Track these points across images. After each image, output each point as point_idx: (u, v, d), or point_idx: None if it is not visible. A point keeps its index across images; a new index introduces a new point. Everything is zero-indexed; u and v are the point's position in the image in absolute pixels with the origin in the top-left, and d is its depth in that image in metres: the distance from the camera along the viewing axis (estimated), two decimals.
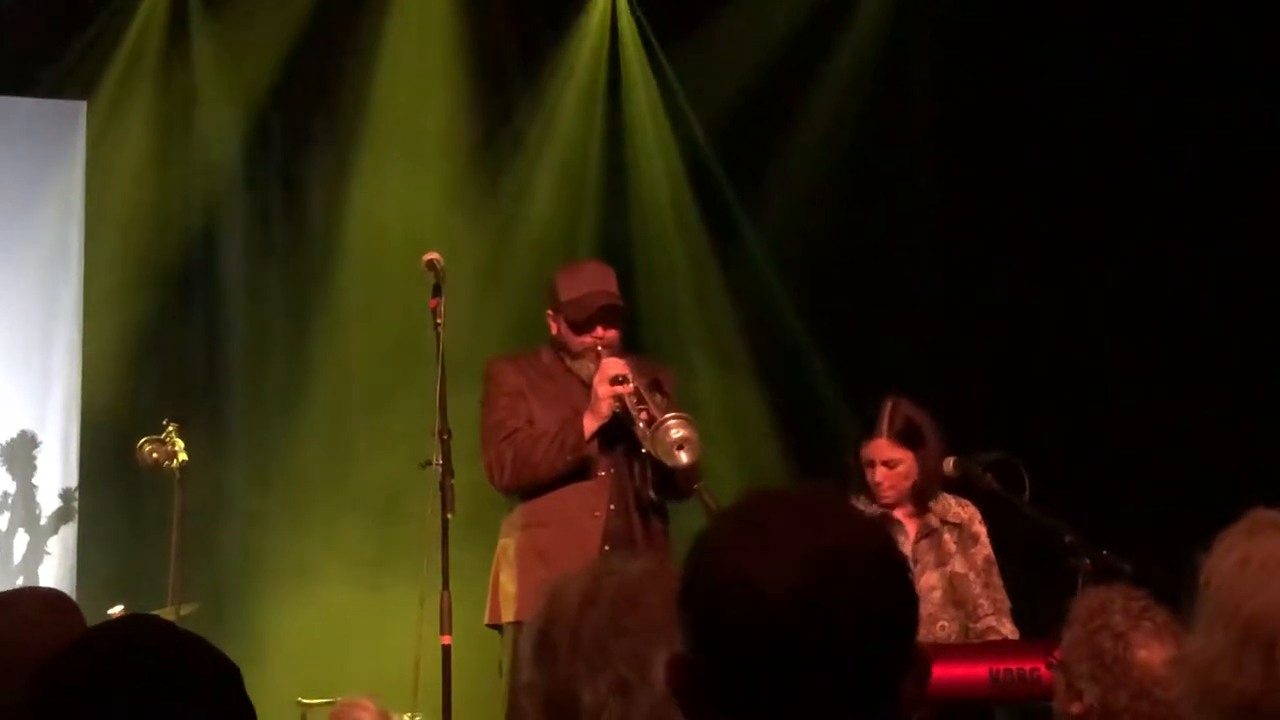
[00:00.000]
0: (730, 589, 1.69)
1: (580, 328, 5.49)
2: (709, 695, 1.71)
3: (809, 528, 1.71)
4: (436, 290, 5.52)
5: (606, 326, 5.50)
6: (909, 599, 1.74)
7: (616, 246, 7.81)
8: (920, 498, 5.48)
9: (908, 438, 5.40)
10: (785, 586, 1.66)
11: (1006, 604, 5.50)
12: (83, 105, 7.60)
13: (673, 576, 2.18)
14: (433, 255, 5.57)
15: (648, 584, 2.17)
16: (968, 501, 5.59)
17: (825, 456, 7.13)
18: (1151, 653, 3.15)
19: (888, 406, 5.47)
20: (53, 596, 2.90)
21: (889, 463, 5.41)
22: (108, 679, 1.78)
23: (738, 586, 1.68)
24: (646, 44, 8.12)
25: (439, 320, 5.49)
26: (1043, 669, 4.58)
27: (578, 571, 2.24)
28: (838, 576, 1.68)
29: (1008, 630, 5.42)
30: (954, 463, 5.43)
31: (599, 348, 5.47)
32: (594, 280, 5.58)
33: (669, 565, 2.21)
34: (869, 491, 5.44)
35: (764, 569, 1.67)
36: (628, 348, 5.72)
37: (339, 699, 5.13)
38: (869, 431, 5.45)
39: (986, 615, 5.43)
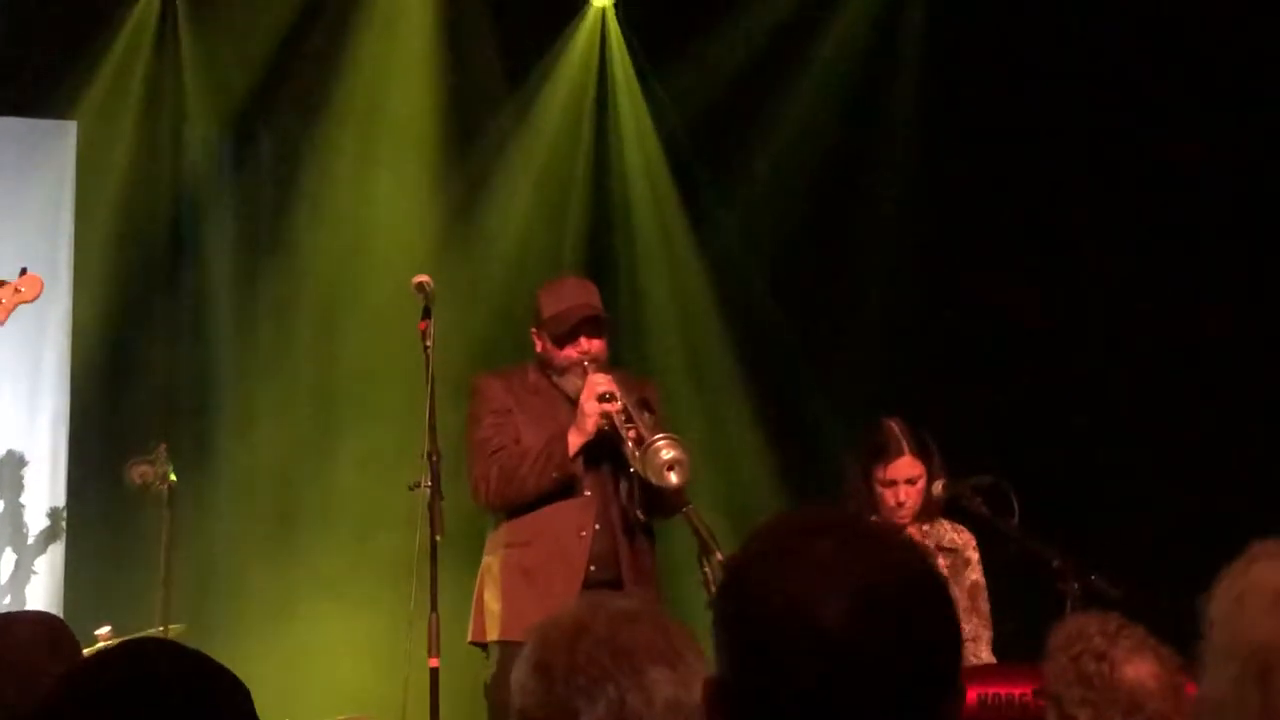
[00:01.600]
0: (783, 619, 1.67)
1: (564, 341, 5.48)
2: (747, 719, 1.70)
3: (856, 554, 1.70)
4: (426, 312, 5.50)
5: (590, 337, 5.48)
6: (954, 623, 1.74)
7: (600, 263, 7.84)
8: (923, 515, 5.52)
9: (923, 453, 5.47)
10: (841, 617, 1.65)
11: (988, 632, 5.53)
12: (73, 125, 7.60)
13: (661, 611, 2.19)
14: (422, 278, 5.55)
15: (639, 613, 2.18)
16: (963, 527, 5.62)
17: (812, 474, 7.17)
18: (1137, 668, 3.18)
19: (894, 426, 5.50)
20: (46, 620, 2.90)
21: (911, 480, 5.45)
22: (123, 699, 1.79)
23: (791, 617, 1.66)
24: (635, 62, 8.14)
25: (428, 342, 5.46)
26: (1031, 694, 4.59)
27: (567, 607, 2.25)
28: (891, 605, 1.68)
29: (985, 657, 5.45)
30: (944, 486, 5.47)
31: (585, 362, 5.46)
32: (576, 294, 5.58)
33: (655, 602, 2.23)
34: (879, 513, 5.46)
35: (817, 599, 1.66)
36: (612, 363, 5.71)
37: None
38: (884, 453, 5.47)
39: (966, 641, 5.44)
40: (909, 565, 1.73)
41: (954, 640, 1.73)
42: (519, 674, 2.18)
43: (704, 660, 2.16)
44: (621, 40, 8.15)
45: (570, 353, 5.48)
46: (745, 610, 1.71)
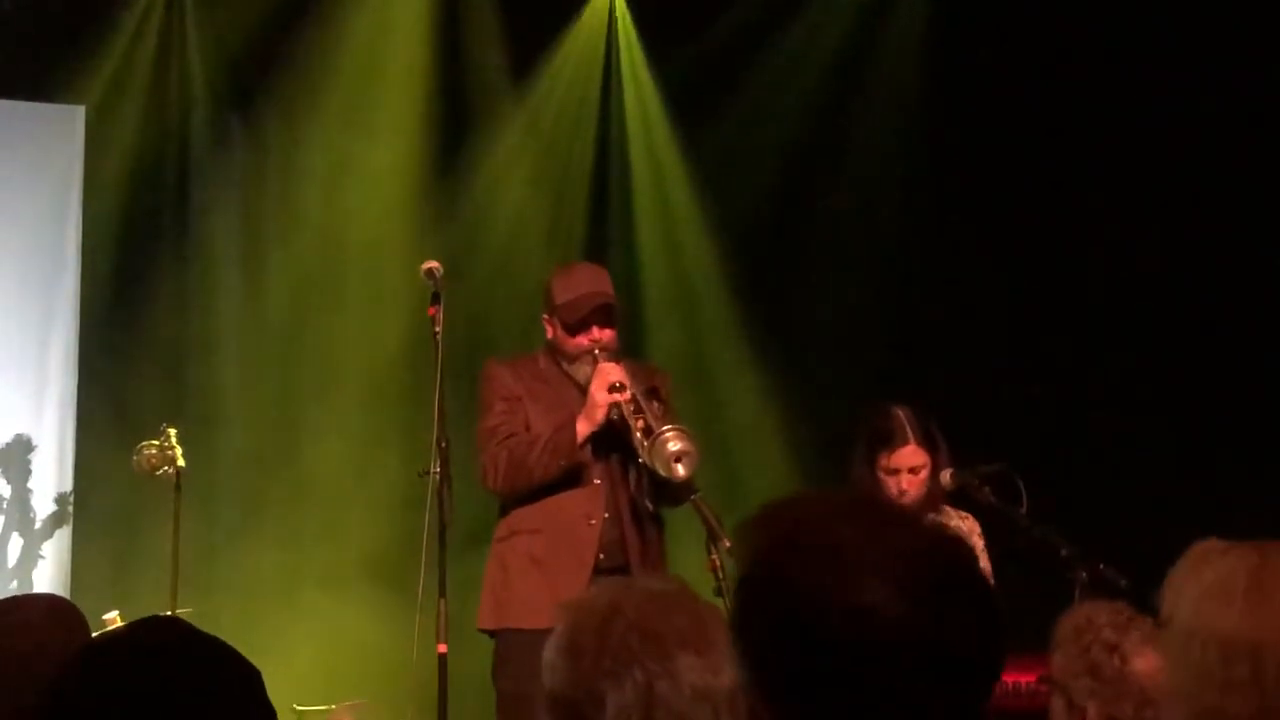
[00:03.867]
0: (825, 608, 1.62)
1: (575, 329, 5.44)
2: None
3: (888, 537, 1.67)
4: (435, 298, 5.49)
5: (602, 326, 5.45)
6: (994, 602, 1.70)
7: (602, 244, 7.85)
8: (928, 505, 5.51)
9: (930, 442, 5.46)
10: (887, 599, 1.61)
11: None
12: (80, 109, 7.61)
13: (694, 596, 2.17)
14: (431, 263, 5.54)
15: (673, 598, 2.17)
16: (968, 514, 5.61)
17: (815, 459, 7.17)
18: (1147, 660, 3.17)
19: (901, 414, 5.49)
20: (57, 603, 2.89)
21: (915, 469, 5.45)
22: (133, 680, 1.79)
23: (833, 605, 1.62)
24: (642, 40, 8.15)
25: (437, 328, 5.47)
26: (1037, 681, 4.59)
27: (601, 587, 2.24)
28: (935, 585, 1.64)
29: None
30: (951, 475, 5.46)
31: (595, 351, 5.44)
32: (588, 281, 5.54)
33: (688, 587, 2.21)
34: None
35: (859, 584, 1.62)
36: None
37: (335, 706, 5.12)
38: (889, 441, 5.46)
39: None
40: (942, 546, 1.69)
41: (996, 620, 1.69)
42: (550, 653, 2.18)
43: None
44: (629, 20, 8.15)
45: (581, 341, 5.46)
46: (780, 604, 1.66)
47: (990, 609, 1.69)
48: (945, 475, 5.47)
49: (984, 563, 5.57)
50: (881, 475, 5.47)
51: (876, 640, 1.61)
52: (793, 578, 1.66)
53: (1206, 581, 2.13)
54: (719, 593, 4.94)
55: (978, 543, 5.58)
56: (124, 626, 1.94)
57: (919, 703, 1.62)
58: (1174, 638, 2.14)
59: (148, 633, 1.89)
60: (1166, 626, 2.16)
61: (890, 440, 5.46)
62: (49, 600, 2.93)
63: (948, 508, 5.58)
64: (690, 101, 8.10)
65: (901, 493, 5.44)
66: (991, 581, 5.17)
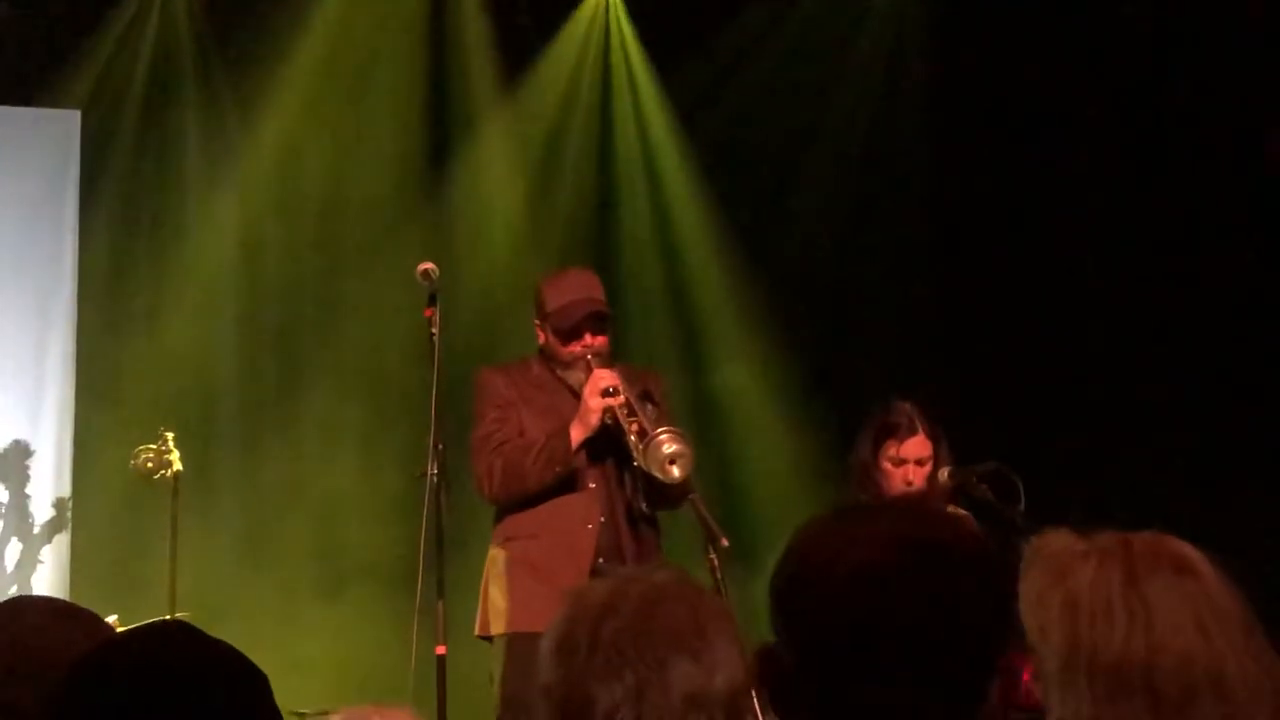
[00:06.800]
0: (808, 570, 1.73)
1: (568, 336, 5.45)
2: (793, 686, 1.73)
3: (901, 522, 1.75)
4: (432, 300, 5.50)
5: (594, 333, 5.46)
6: (997, 602, 1.75)
7: (592, 243, 7.87)
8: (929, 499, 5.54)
9: (934, 436, 5.49)
10: (858, 564, 1.69)
11: None
12: (75, 114, 7.61)
13: (695, 589, 2.18)
14: (427, 265, 5.54)
15: (672, 593, 2.15)
16: (962, 510, 5.63)
17: (811, 458, 7.17)
18: None
19: (908, 406, 5.52)
20: (61, 605, 2.89)
21: (921, 460, 5.48)
22: (140, 683, 1.80)
23: (815, 567, 1.72)
24: (640, 43, 8.17)
25: (434, 330, 5.47)
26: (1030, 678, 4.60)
27: (602, 578, 2.24)
28: (917, 563, 1.70)
29: None
30: (949, 473, 5.49)
31: (589, 356, 5.44)
32: (579, 288, 5.54)
33: (690, 578, 2.20)
34: (884, 492, 5.46)
35: (840, 550, 1.72)
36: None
37: (335, 710, 5.12)
38: (897, 431, 5.49)
39: None
40: (954, 539, 1.76)
41: (993, 619, 1.74)
42: (545, 644, 2.18)
43: (735, 643, 2.14)
44: (624, 18, 8.17)
45: (574, 348, 5.46)
46: (783, 570, 1.78)
47: (979, 619, 1.73)
48: (943, 473, 5.50)
49: None
50: (887, 466, 5.49)
51: (839, 603, 1.70)
52: (796, 549, 1.79)
53: (1075, 595, 1.98)
54: (716, 592, 4.96)
55: None
56: (133, 629, 1.95)
57: (886, 684, 1.68)
58: (1051, 661, 1.96)
59: (157, 637, 1.90)
60: (1039, 646, 1.97)
61: (898, 431, 5.50)
62: (53, 602, 2.92)
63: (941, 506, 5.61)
64: (687, 97, 8.11)
65: (908, 483, 5.47)
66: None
